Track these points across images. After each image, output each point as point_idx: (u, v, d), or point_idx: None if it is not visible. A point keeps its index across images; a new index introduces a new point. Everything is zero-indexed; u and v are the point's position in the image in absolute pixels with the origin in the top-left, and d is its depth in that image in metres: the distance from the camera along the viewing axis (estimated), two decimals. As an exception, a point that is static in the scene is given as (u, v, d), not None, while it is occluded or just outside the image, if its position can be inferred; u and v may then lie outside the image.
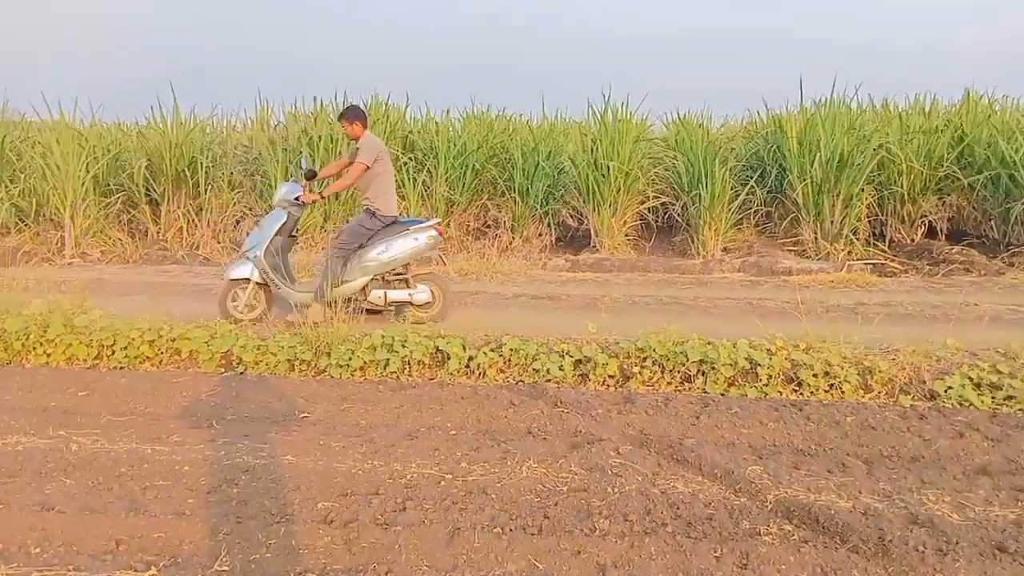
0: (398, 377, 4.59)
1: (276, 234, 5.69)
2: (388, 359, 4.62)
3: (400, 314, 5.80)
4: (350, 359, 4.64)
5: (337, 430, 3.74)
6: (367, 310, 5.69)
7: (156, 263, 9.16)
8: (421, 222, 5.78)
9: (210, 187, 9.98)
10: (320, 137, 9.65)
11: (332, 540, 2.68)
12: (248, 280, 5.69)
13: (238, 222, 9.98)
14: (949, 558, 2.51)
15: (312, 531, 2.74)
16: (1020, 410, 3.91)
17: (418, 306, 5.75)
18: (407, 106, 11.31)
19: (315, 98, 10.70)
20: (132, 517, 2.83)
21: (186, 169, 9.90)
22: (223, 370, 4.81)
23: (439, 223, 5.84)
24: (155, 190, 10.07)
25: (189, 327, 5.04)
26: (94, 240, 9.72)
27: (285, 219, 5.71)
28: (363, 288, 5.70)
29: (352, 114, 5.66)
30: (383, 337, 4.75)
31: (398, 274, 5.75)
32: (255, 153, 10.47)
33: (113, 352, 4.89)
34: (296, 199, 5.68)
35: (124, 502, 2.95)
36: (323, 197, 5.83)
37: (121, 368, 4.83)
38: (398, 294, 5.72)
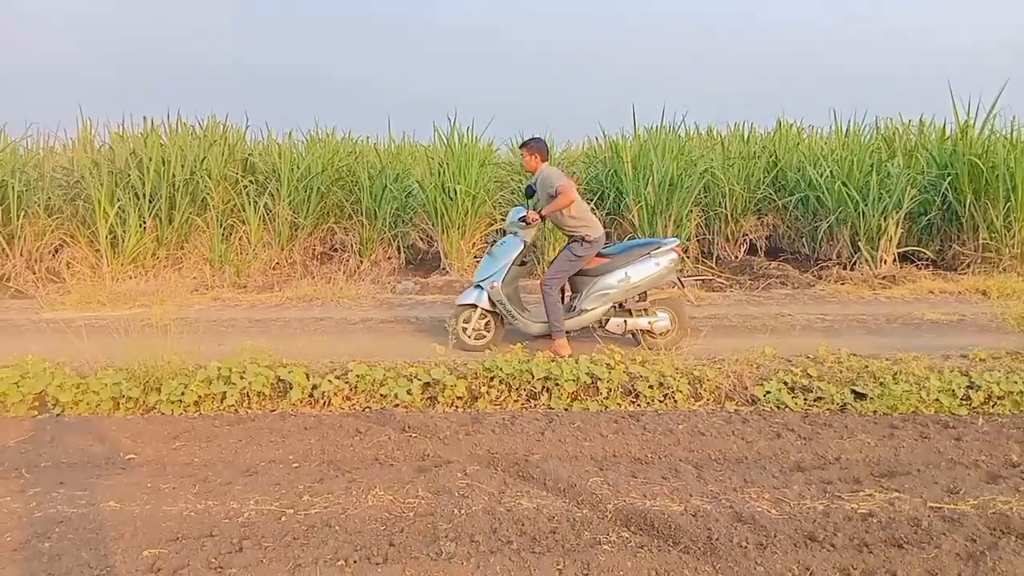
0: (237, 410, 4.37)
1: (512, 263, 5.49)
2: (225, 392, 4.40)
3: (637, 341, 5.56)
4: (183, 394, 4.38)
5: (168, 471, 3.51)
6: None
7: (-43, 297, 8.19)
8: (659, 243, 5.53)
9: (24, 213, 9.11)
10: (151, 159, 9.06)
11: (159, 590, 2.50)
12: (475, 307, 5.52)
13: (57, 250, 9.16)
14: (768, 551, 2.72)
15: (136, 582, 2.54)
16: (828, 410, 4.33)
17: (655, 333, 5.51)
18: (247, 128, 10.93)
19: (145, 117, 10.12)
20: (-82, 586, 2.51)
21: (-6, 194, 8.98)
22: (36, 413, 4.38)
23: (679, 244, 5.61)
24: (-43, 217, 9.05)
25: (-6, 368, 4.55)
26: None
27: (521, 247, 5.52)
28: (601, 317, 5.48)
29: (535, 145, 5.54)
30: (219, 369, 4.51)
31: (636, 300, 5.52)
32: (77, 176, 9.67)
33: (-101, 400, 4.34)
34: (521, 219, 5.46)
35: (-91, 569, 2.61)
36: (542, 218, 5.43)
37: (-90, 417, 4.28)
38: (639, 322, 5.46)
